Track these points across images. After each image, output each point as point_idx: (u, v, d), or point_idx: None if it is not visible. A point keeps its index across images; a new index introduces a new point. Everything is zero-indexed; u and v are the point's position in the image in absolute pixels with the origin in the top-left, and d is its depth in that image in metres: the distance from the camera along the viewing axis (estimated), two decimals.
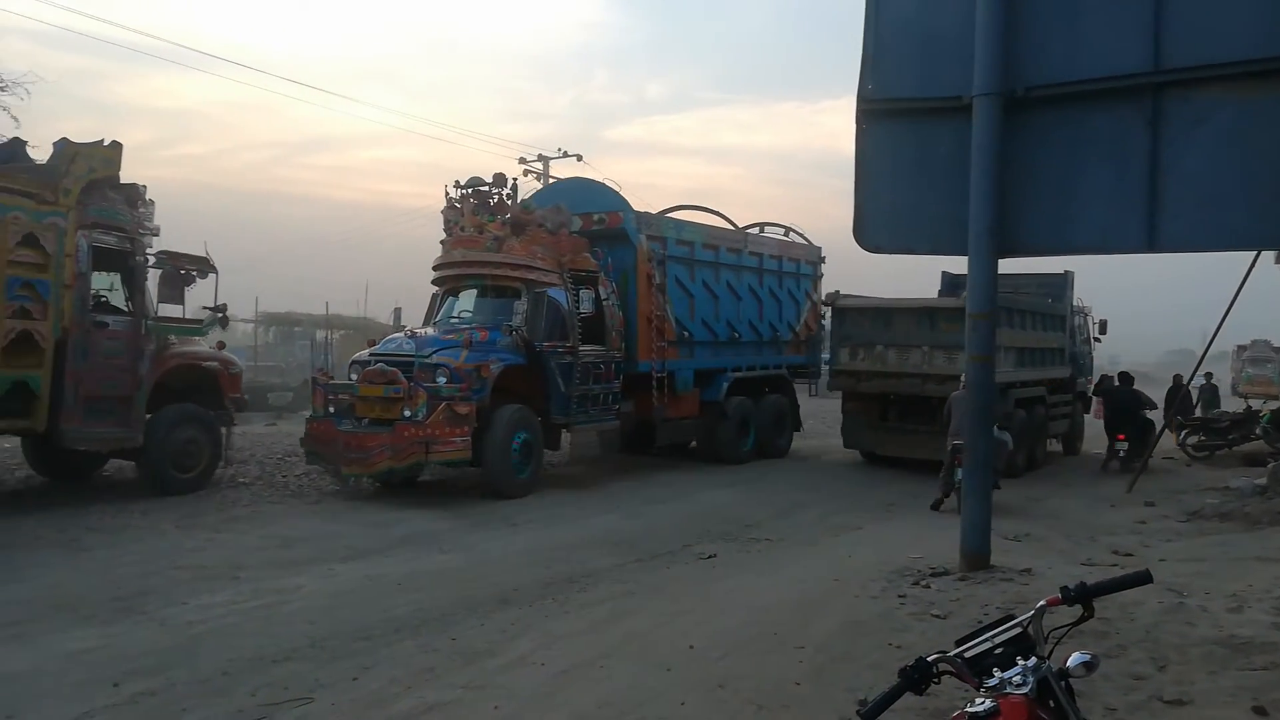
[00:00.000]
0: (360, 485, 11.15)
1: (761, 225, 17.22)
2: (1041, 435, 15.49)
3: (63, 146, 9.53)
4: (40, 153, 10.15)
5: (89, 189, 9.57)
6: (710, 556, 8.32)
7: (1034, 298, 15.76)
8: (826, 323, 17.80)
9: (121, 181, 10.07)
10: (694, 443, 14.95)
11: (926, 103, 6.58)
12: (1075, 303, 17.31)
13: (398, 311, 12.48)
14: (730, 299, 15.08)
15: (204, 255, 10.79)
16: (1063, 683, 2.02)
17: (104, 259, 9.88)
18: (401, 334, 11.75)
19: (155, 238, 10.40)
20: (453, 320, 12.17)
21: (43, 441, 9.90)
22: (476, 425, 10.65)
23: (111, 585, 6.82)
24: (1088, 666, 2.01)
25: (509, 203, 11.99)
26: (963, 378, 8.28)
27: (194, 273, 10.70)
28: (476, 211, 11.93)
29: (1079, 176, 6.17)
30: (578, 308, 11.94)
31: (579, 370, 11.93)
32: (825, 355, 16.94)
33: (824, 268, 17.74)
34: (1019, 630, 2.11)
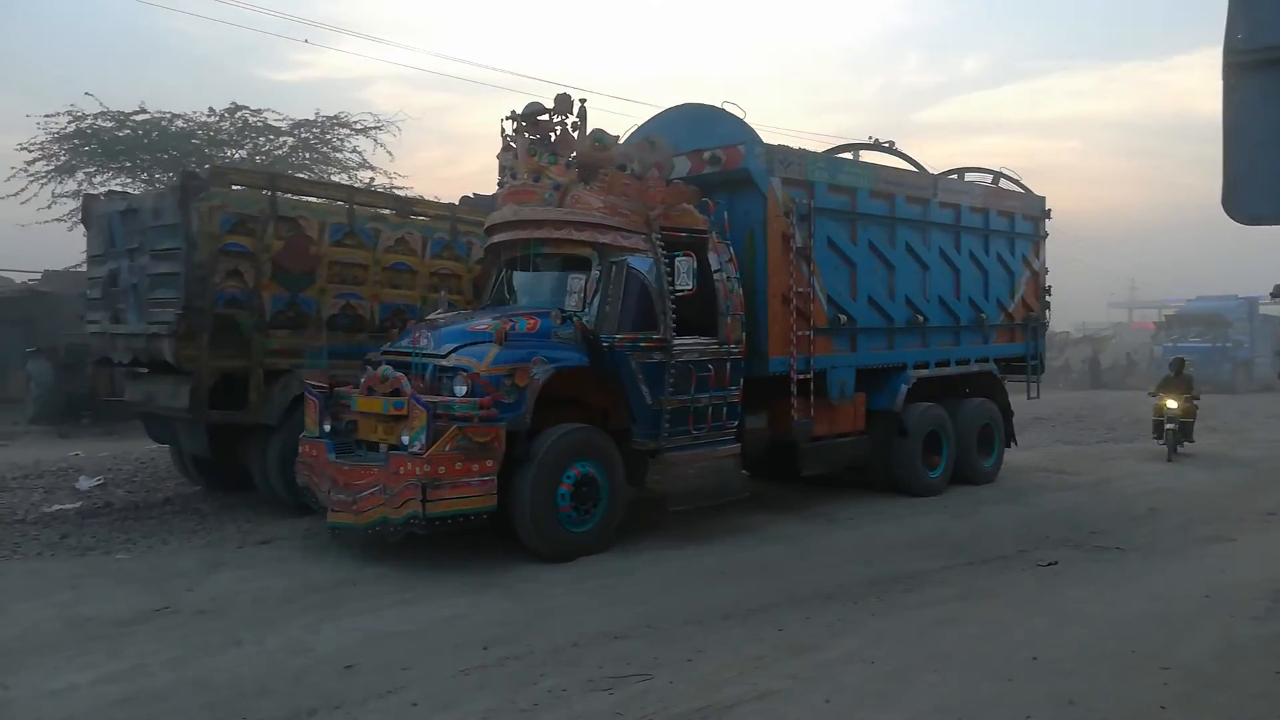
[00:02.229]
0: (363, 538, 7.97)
1: (961, 170, 12.84)
2: None
3: None
4: None
5: None
6: (1050, 564, 7.77)
7: None
8: (1051, 299, 13.26)
9: None
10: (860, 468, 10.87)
11: None
12: None
13: (442, 295, 9.30)
14: (912, 267, 10.89)
15: None
16: None
17: None
18: (431, 323, 8.47)
19: None
20: (505, 305, 8.82)
21: None
22: (506, 457, 7.27)
23: (454, 561, 7.42)
24: None
25: (575, 137, 8.45)
26: None
27: None
28: (532, 151, 8.47)
29: None
30: (672, 283, 8.26)
31: (674, 372, 8.27)
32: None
33: (1049, 225, 13.13)
34: None
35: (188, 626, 5.96)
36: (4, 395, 21.19)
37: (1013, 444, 12.69)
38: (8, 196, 21.90)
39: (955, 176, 12.44)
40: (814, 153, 9.78)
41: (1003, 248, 12.31)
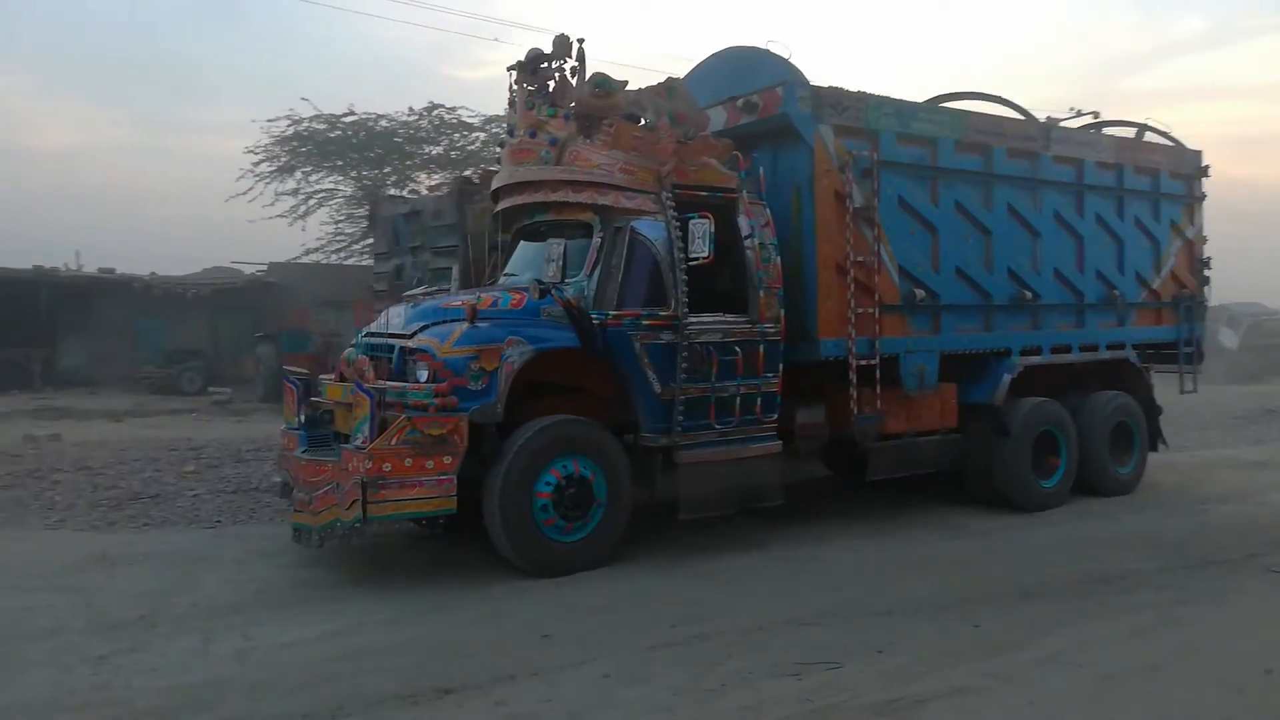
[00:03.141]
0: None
1: (1099, 122, 10.81)
2: None
3: None
4: None
5: None
6: None
7: None
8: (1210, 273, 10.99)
9: None
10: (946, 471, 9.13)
11: None
12: None
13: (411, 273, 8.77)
14: (1016, 234, 9.08)
15: None
16: None
17: None
18: (411, 299, 7.49)
19: None
20: (505, 277, 7.76)
21: None
22: (467, 453, 6.20)
23: (643, 538, 7.25)
24: None
25: (573, 84, 7.28)
26: None
27: None
28: (531, 104, 7.37)
29: None
30: (682, 250, 6.95)
31: (687, 355, 6.95)
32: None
33: (1205, 185, 10.88)
34: None
35: (401, 592, 6.23)
36: (237, 376, 23.47)
37: (1160, 446, 10.51)
38: (237, 196, 24.23)
39: (1087, 127, 10.44)
40: (878, 96, 8.18)
41: (1143, 211, 10.22)
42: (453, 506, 6.13)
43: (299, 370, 7.40)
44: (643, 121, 7.35)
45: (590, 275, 6.97)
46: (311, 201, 25.15)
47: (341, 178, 25.24)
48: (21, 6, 54.97)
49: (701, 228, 6.85)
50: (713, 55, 8.84)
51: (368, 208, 19.94)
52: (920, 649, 5.19)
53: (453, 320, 6.55)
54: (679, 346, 6.90)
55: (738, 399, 7.22)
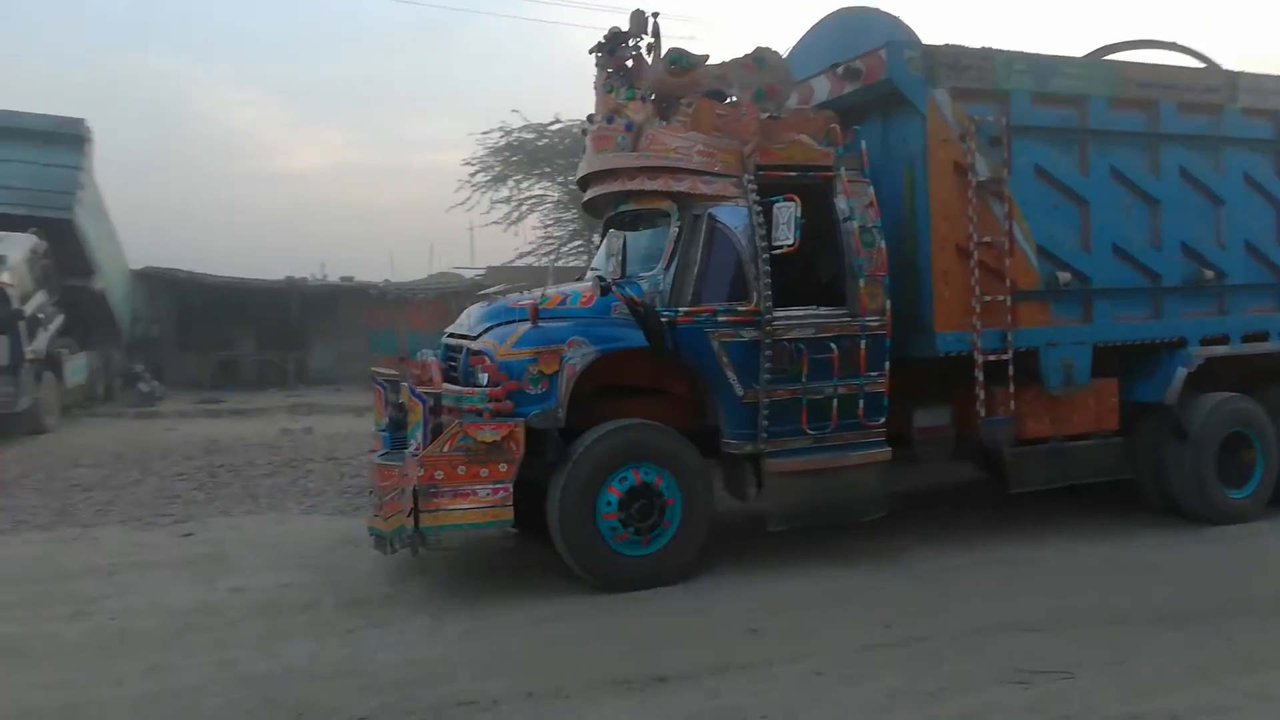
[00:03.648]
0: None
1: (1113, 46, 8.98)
2: None
3: None
4: None
5: None
6: None
7: None
8: None
9: None
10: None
11: None
12: None
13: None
14: (1192, 203, 7.73)
15: None
16: None
17: None
18: (489, 298, 7.22)
19: None
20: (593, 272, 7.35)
21: None
22: (522, 459, 5.84)
23: (857, 535, 7.02)
24: None
25: (649, 63, 6.75)
26: None
27: None
28: (609, 87, 6.91)
29: None
30: (765, 238, 6.28)
31: (771, 354, 6.28)
32: None
33: None
34: None
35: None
36: None
37: None
38: (456, 205, 25.66)
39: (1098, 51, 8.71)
40: (1009, 52, 7.11)
41: None
42: (509, 518, 5.79)
43: (387, 371, 7.30)
44: (730, 99, 6.73)
45: (667, 268, 6.43)
46: (523, 207, 26.03)
47: (550, 183, 25.97)
48: (275, 44, 61.07)
49: (786, 212, 6.16)
50: (822, 20, 8.03)
51: (576, 211, 20.33)
52: (1164, 661, 4.86)
53: (518, 320, 6.21)
54: (761, 344, 6.24)
55: (834, 401, 6.46)
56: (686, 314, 6.19)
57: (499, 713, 4.33)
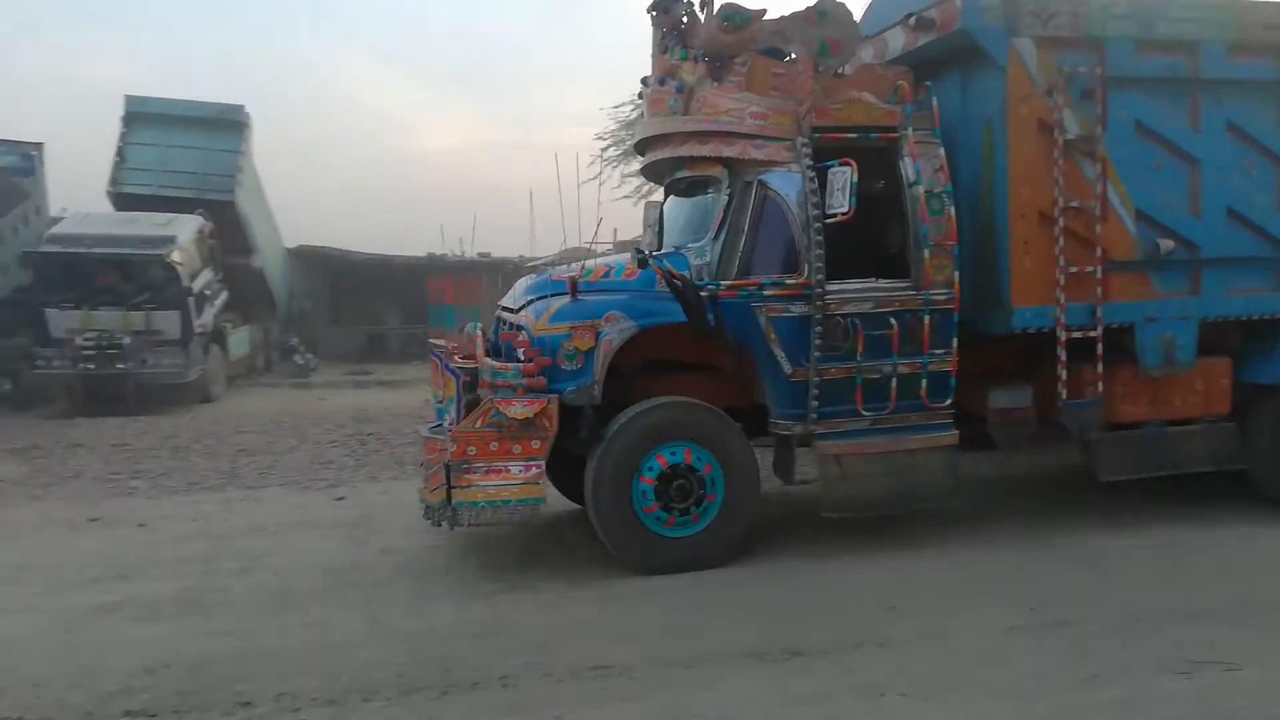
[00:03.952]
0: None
1: None
2: None
3: None
4: None
5: None
6: None
7: None
8: None
9: None
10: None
11: None
12: None
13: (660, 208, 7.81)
14: None
15: None
16: None
17: None
18: (539, 269, 7.07)
19: None
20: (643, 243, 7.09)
21: None
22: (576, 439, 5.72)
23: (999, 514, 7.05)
24: None
25: (702, 20, 6.37)
26: None
27: None
28: (664, 47, 6.59)
29: None
30: (818, 205, 5.87)
31: (823, 330, 5.91)
32: None
33: None
34: None
35: (748, 551, 6.19)
36: None
37: None
38: (589, 180, 26.05)
39: None
40: None
41: None
42: (541, 495, 5.67)
43: (442, 344, 7.28)
44: (790, 56, 6.31)
45: (716, 238, 6.12)
46: (651, 182, 26.02)
47: None
48: (416, 25, 62.80)
49: (841, 177, 5.74)
50: None
51: None
52: None
53: (558, 294, 6.04)
54: (811, 320, 5.87)
55: (894, 380, 6.04)
56: (730, 288, 5.88)
57: (632, 678, 4.39)
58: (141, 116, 17.49)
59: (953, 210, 6.14)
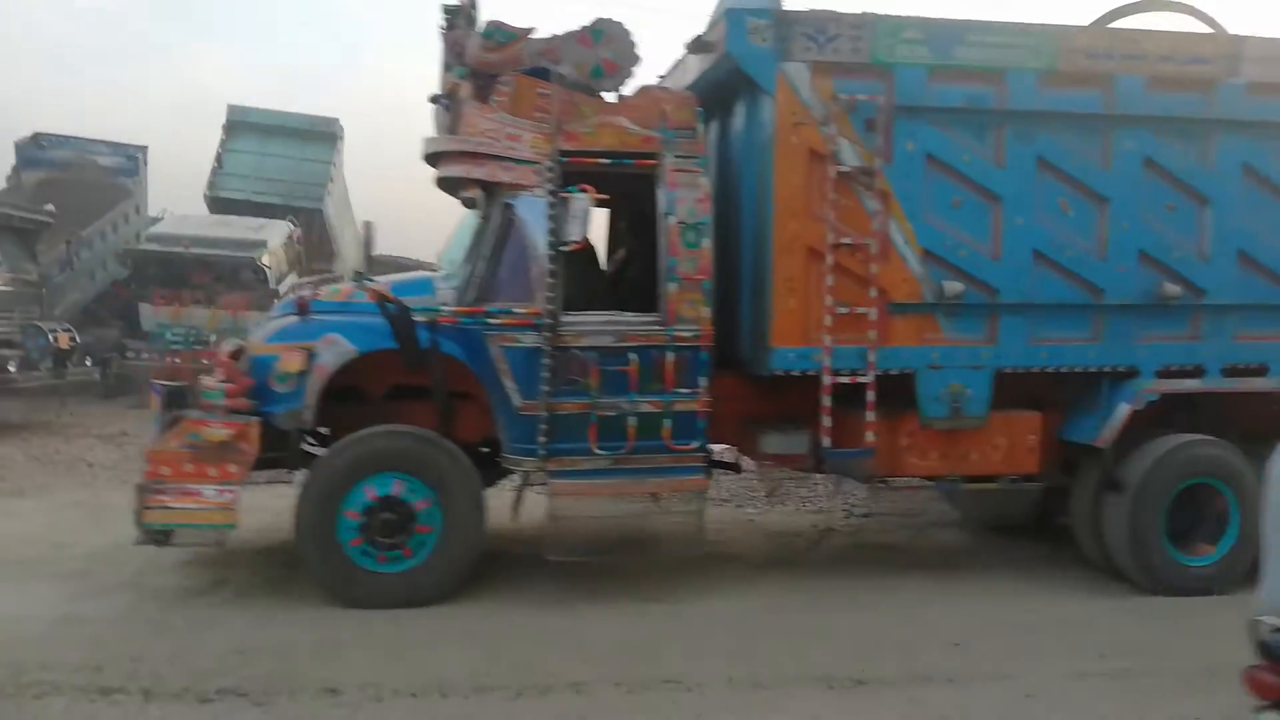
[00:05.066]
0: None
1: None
2: None
3: None
4: None
5: None
6: None
7: None
8: None
9: None
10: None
11: None
12: None
13: (368, 225, 7.74)
14: (1161, 199, 6.30)
15: None
16: None
17: None
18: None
19: None
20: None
21: None
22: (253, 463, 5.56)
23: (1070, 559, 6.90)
24: None
25: (467, 39, 6.14)
26: None
27: None
28: (448, 64, 6.40)
29: None
30: (552, 232, 5.62)
31: (554, 362, 5.65)
32: None
33: None
34: None
35: (811, 581, 6.42)
36: None
37: None
38: None
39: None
40: (895, 17, 5.93)
41: None
42: (232, 522, 5.52)
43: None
44: (561, 75, 6.05)
45: (466, 261, 5.93)
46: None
47: None
48: None
49: (577, 204, 5.50)
50: None
51: None
52: None
53: (289, 315, 5.91)
54: (541, 352, 5.63)
55: (632, 419, 5.75)
56: (451, 314, 5.67)
57: (702, 694, 4.51)
58: (242, 125, 18.49)
59: (708, 243, 5.82)
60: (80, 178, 17.16)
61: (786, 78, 5.81)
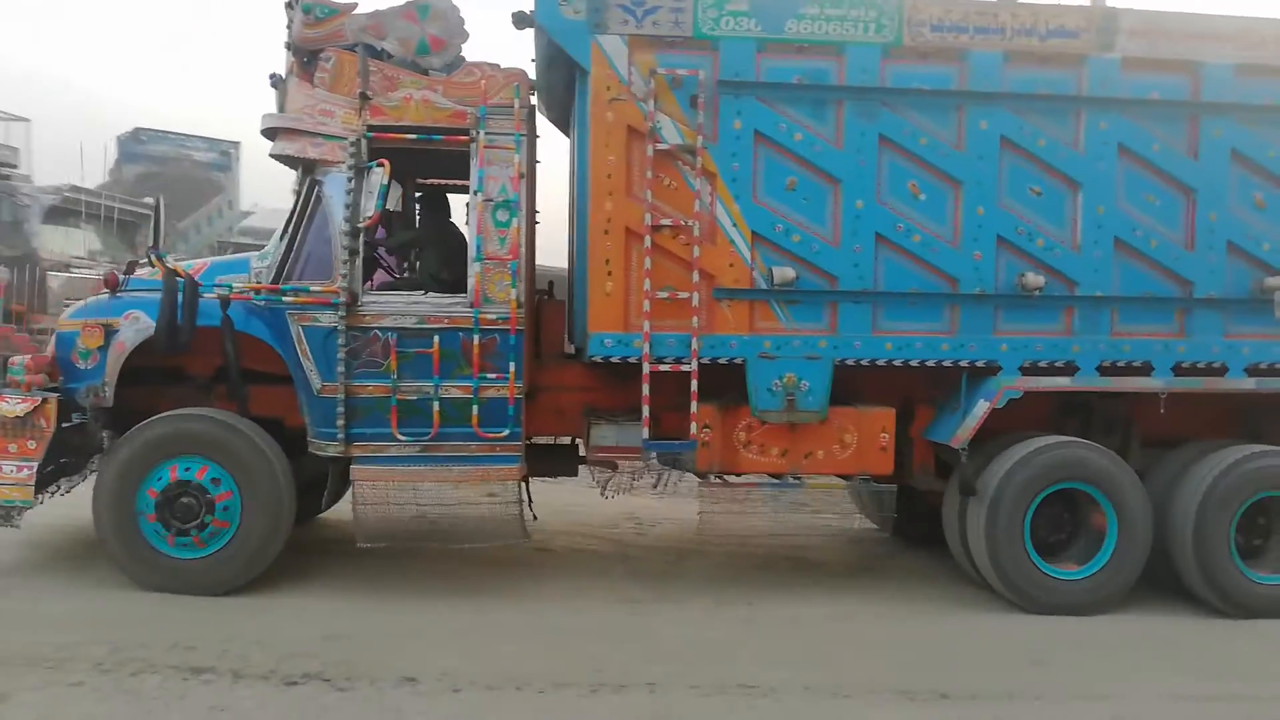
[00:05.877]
0: None
1: None
2: None
3: None
4: None
5: None
6: None
7: None
8: None
9: None
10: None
11: None
12: None
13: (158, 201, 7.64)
14: (1024, 183, 5.86)
15: None
16: None
17: None
18: None
19: None
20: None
21: None
22: (56, 442, 5.48)
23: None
24: None
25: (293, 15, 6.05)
26: None
27: None
28: (288, 42, 6.32)
29: None
30: (350, 207, 5.46)
31: (352, 343, 5.48)
32: None
33: None
34: None
35: (893, 591, 6.28)
36: None
37: None
38: None
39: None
40: None
41: None
42: (29, 499, 5.44)
43: None
44: (388, 54, 5.93)
45: (281, 238, 5.82)
46: None
47: None
48: None
49: (374, 179, 5.35)
50: None
51: None
52: None
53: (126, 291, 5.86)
54: (337, 332, 5.46)
55: (435, 404, 5.53)
56: (241, 292, 5.54)
57: (777, 700, 4.40)
58: None
59: (518, 222, 5.59)
60: (177, 172, 17.46)
61: (602, 51, 5.57)
